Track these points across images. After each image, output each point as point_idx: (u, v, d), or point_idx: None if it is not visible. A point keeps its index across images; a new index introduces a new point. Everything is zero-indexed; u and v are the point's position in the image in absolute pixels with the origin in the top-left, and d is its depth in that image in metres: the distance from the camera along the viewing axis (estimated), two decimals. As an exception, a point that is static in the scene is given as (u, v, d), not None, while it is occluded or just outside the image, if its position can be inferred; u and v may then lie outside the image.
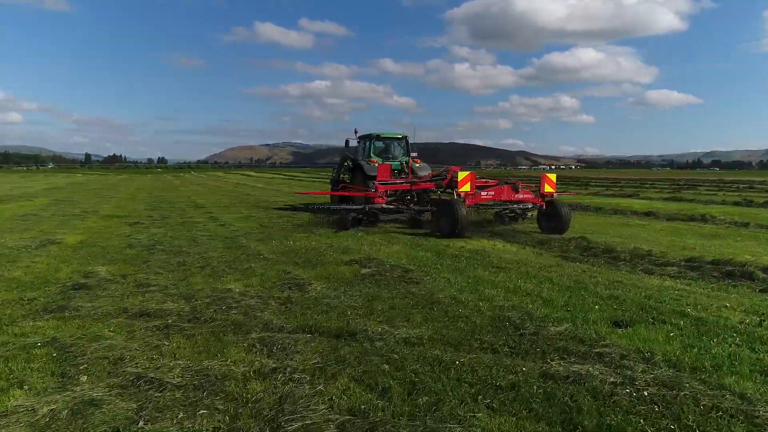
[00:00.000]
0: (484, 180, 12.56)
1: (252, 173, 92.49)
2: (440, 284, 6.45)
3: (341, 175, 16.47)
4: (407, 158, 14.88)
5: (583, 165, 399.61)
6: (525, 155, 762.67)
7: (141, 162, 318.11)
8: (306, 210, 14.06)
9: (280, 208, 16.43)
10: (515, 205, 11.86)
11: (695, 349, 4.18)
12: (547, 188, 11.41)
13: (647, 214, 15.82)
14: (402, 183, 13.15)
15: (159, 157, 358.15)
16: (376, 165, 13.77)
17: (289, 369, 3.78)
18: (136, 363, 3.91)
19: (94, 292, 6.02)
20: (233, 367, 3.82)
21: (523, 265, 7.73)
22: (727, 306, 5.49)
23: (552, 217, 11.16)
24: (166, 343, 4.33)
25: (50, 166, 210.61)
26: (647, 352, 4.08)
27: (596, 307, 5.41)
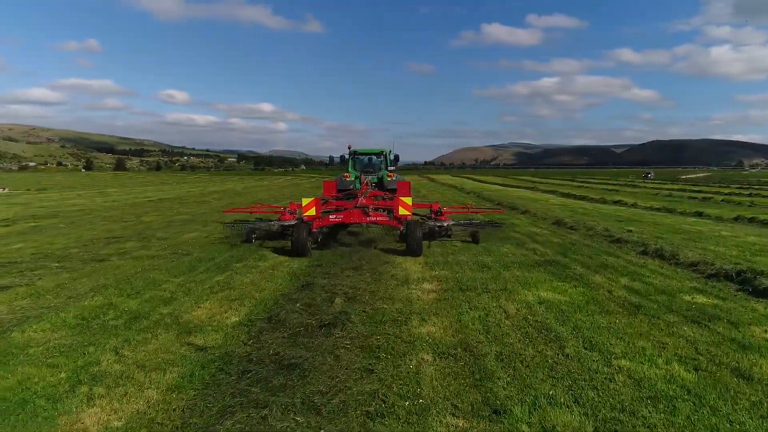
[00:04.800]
0: (374, 199, 13.01)
1: (434, 176, 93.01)
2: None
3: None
4: (386, 172, 15.37)
5: None
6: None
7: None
8: (227, 224, 13.34)
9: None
10: (433, 223, 12.39)
11: None
12: (402, 211, 11.50)
13: None
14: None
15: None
16: (346, 179, 14.85)
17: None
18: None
19: None
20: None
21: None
22: None
23: (405, 240, 10.99)
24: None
25: (302, 167, 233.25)
26: None
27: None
